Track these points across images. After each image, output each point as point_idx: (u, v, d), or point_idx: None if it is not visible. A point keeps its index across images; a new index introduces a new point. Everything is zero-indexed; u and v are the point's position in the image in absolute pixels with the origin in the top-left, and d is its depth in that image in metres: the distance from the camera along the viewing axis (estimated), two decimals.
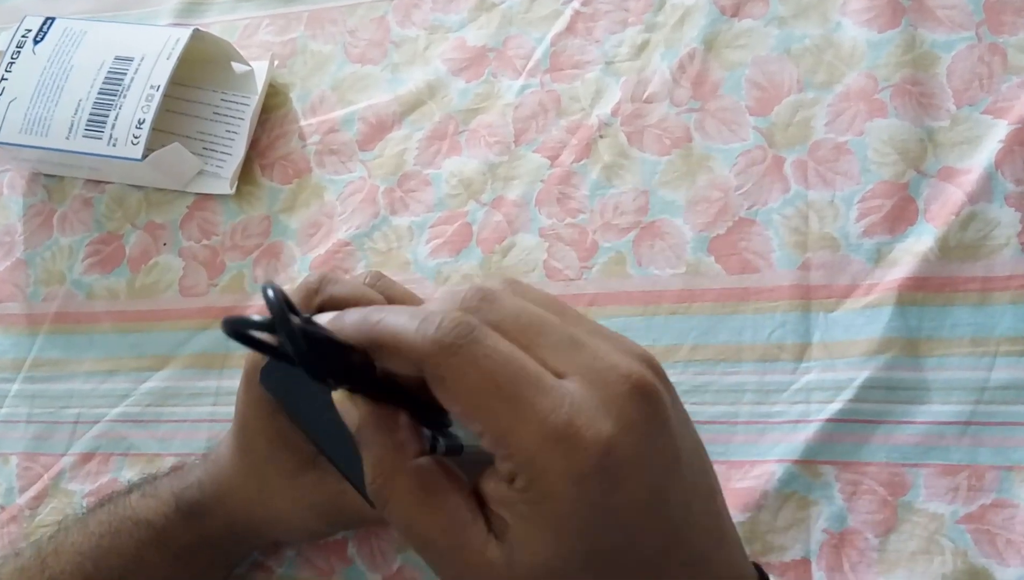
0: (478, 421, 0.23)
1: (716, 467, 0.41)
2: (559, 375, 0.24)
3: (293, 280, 0.50)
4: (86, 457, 0.49)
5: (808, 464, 0.41)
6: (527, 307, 0.25)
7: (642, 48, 0.51)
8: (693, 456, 0.26)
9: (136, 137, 0.51)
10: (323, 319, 0.25)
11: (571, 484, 0.22)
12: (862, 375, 0.41)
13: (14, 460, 0.51)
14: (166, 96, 0.51)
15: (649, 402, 0.24)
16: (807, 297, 0.43)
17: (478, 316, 0.24)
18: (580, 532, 0.23)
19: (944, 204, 0.43)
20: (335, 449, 0.31)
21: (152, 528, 0.39)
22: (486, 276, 0.47)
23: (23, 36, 0.55)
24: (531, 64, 0.52)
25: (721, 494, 0.28)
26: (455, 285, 0.45)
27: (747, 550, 0.40)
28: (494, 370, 0.23)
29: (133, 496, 0.41)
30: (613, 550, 0.24)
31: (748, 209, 0.46)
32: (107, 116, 0.51)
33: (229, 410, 0.48)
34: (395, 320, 0.24)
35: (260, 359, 0.35)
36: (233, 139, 0.54)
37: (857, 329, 0.42)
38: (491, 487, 0.24)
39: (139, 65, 0.52)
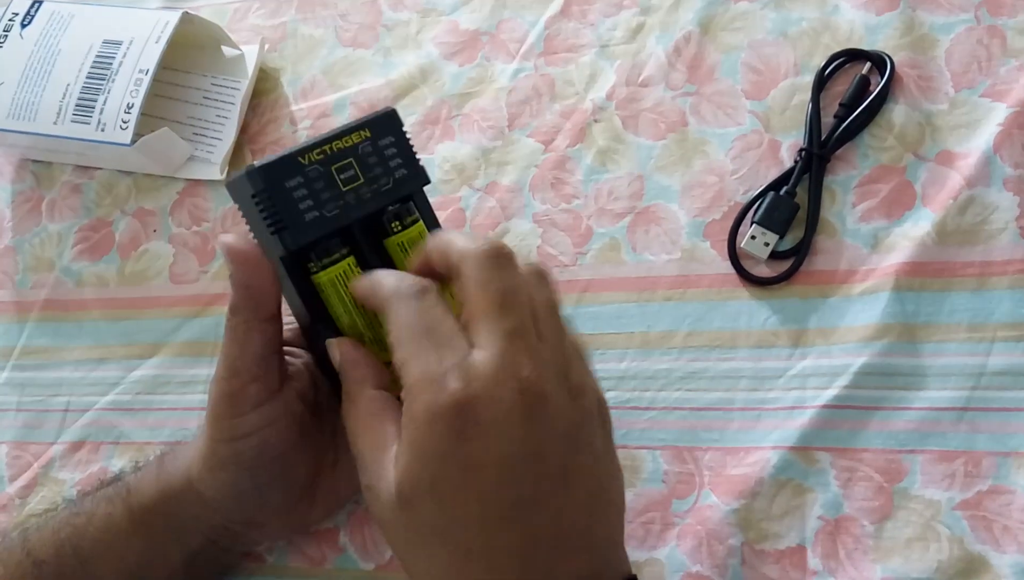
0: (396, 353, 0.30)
1: (712, 453, 0.41)
2: (478, 346, 0.29)
3: None
4: (76, 446, 0.49)
5: (804, 451, 0.40)
6: (513, 284, 0.31)
7: (637, 31, 0.50)
8: (578, 472, 0.31)
9: (125, 122, 0.50)
10: None
11: (427, 419, 0.29)
12: (858, 361, 0.41)
13: (3, 449, 0.50)
14: (155, 81, 0.51)
15: (533, 401, 0.29)
16: (803, 282, 0.43)
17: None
18: (429, 459, 0.29)
19: (942, 188, 0.43)
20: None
21: (126, 487, 0.39)
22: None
23: (10, 19, 0.54)
24: (525, 48, 0.51)
25: (620, 497, 0.33)
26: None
27: (742, 537, 0.40)
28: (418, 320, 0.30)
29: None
30: (452, 485, 0.29)
31: (744, 194, 0.45)
32: (95, 101, 0.50)
33: None
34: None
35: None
36: (223, 124, 0.53)
37: (854, 315, 0.42)
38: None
39: (128, 49, 0.51)
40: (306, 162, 0.35)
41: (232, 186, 0.35)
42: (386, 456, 0.30)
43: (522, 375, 0.29)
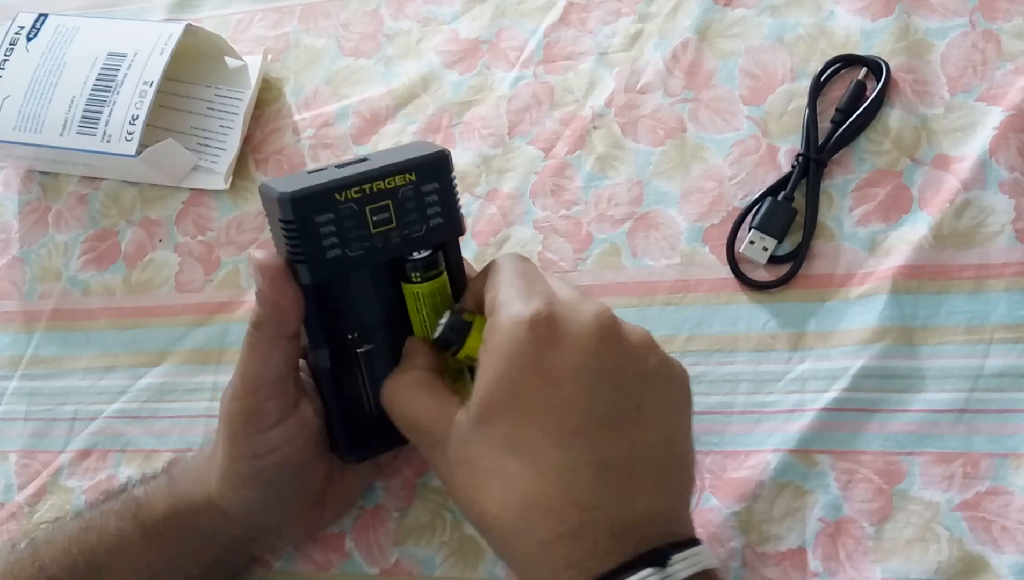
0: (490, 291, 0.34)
1: (712, 456, 0.42)
2: None
3: None
4: (84, 454, 0.50)
5: (803, 453, 0.41)
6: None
7: (635, 38, 0.50)
8: (652, 414, 0.32)
9: (130, 133, 0.50)
10: None
11: (511, 327, 0.31)
12: (857, 364, 0.41)
13: (12, 457, 0.51)
14: (160, 92, 0.51)
15: (610, 328, 0.32)
16: (801, 286, 0.43)
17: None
18: (510, 366, 0.31)
19: (938, 192, 0.43)
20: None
21: (136, 501, 0.40)
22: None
23: (16, 33, 0.54)
24: (524, 56, 0.52)
25: (690, 470, 0.35)
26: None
27: (743, 539, 0.40)
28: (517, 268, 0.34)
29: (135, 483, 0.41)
30: (532, 394, 0.31)
31: (742, 199, 0.46)
32: (101, 112, 0.51)
33: None
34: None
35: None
36: (227, 134, 0.54)
37: (852, 318, 0.42)
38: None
39: (132, 61, 0.52)
40: (341, 199, 0.34)
41: (266, 197, 0.35)
42: (451, 402, 0.33)
43: (599, 310, 0.32)
